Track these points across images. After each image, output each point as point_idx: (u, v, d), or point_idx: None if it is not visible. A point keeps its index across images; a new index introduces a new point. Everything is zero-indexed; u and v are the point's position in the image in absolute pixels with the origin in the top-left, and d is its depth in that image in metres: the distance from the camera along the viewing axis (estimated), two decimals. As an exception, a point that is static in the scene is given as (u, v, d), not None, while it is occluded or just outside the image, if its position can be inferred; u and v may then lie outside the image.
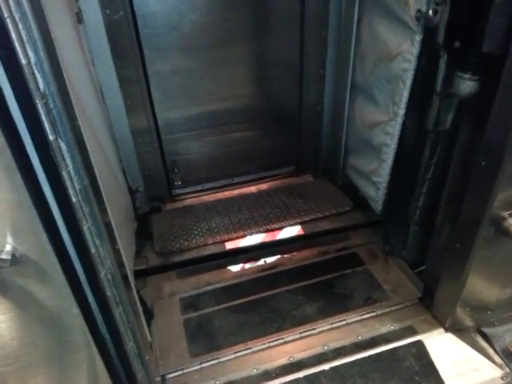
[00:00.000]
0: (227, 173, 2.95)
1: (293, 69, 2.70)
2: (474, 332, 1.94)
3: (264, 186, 2.95)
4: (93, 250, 1.09)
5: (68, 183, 0.97)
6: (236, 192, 2.90)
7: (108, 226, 1.19)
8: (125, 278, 1.35)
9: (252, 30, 2.56)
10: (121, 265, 1.30)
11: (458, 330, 1.94)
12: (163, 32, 2.35)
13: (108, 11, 2.09)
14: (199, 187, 2.93)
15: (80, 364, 1.29)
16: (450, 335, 1.94)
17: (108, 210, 1.28)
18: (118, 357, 1.34)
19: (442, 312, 1.96)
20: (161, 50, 2.39)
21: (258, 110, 2.81)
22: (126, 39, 2.22)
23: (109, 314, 1.23)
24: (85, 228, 1.04)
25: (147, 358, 1.52)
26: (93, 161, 1.17)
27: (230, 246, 2.48)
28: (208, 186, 2.93)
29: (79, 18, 1.85)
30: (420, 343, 1.90)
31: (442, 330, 1.95)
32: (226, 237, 2.49)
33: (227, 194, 2.89)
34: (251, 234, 2.52)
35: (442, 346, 1.89)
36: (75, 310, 1.13)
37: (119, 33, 2.18)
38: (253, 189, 2.93)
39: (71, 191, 0.98)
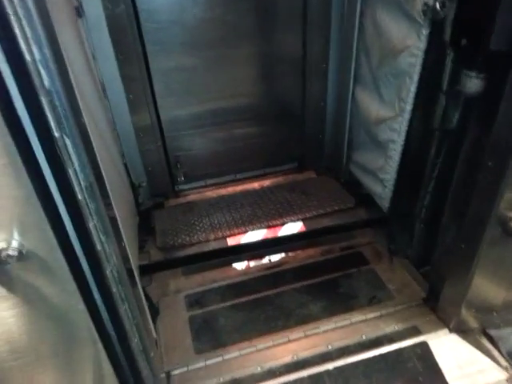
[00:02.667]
0: (230, 169, 2.96)
1: (295, 64, 2.70)
2: (479, 333, 1.92)
3: (267, 183, 2.95)
4: (98, 247, 1.10)
5: (74, 180, 0.98)
6: (239, 188, 2.91)
7: (113, 222, 1.20)
8: (130, 274, 1.36)
9: (254, 25, 2.55)
10: (126, 261, 1.31)
11: (462, 331, 1.92)
12: (165, 26, 2.34)
13: (109, 5, 2.08)
14: (202, 183, 2.94)
15: (86, 360, 1.30)
16: (454, 336, 1.92)
17: (113, 206, 1.29)
18: (124, 353, 1.35)
19: (446, 313, 1.95)
20: (163, 44, 2.38)
21: (261, 106, 2.81)
22: (128, 33, 2.21)
23: (114, 311, 1.24)
24: (90, 225, 1.05)
25: (152, 354, 1.53)
26: (98, 157, 1.18)
27: (231, 241, 2.48)
28: (211, 182, 2.95)
29: (79, 12, 1.85)
30: (424, 344, 1.89)
31: (446, 330, 1.94)
32: (227, 233, 2.49)
33: (230, 190, 2.90)
34: (253, 230, 2.52)
35: (447, 347, 1.88)
36: (81, 307, 1.14)
37: (121, 27, 2.17)
38: (256, 185, 2.93)
39: (77, 188, 0.99)
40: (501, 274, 1.77)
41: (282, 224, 2.56)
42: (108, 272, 1.16)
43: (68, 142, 0.93)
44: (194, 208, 2.71)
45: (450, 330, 1.94)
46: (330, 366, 1.83)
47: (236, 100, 2.74)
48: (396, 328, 1.98)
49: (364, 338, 1.94)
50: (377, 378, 1.77)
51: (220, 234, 2.48)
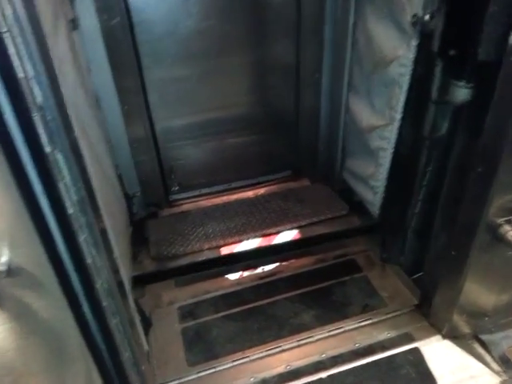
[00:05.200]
0: (225, 178, 2.95)
1: (289, 73, 2.71)
2: (471, 339, 1.94)
3: (261, 191, 2.95)
4: (89, 261, 1.09)
5: (65, 195, 0.97)
6: (233, 197, 2.90)
7: (104, 235, 1.19)
8: (121, 287, 1.34)
9: (248, 36, 2.57)
10: (117, 274, 1.29)
11: (455, 336, 1.94)
12: (160, 38, 2.35)
13: (105, 17, 2.09)
14: (197, 192, 2.93)
15: (77, 374, 1.27)
16: (447, 342, 1.94)
17: (105, 218, 1.28)
18: (114, 367, 1.33)
19: (438, 319, 1.96)
20: (158, 56, 2.40)
21: (255, 115, 2.82)
22: (123, 45, 2.21)
23: (105, 325, 1.23)
24: (81, 239, 1.04)
25: (143, 367, 1.52)
26: (89, 171, 1.17)
27: (225, 251, 2.47)
28: (205, 191, 2.94)
29: (74, 25, 1.85)
30: (417, 350, 1.90)
31: (439, 336, 1.95)
32: (221, 242, 2.48)
33: (225, 198, 2.89)
34: (247, 239, 2.52)
35: (439, 353, 1.89)
36: (71, 322, 1.12)
37: (116, 39, 2.17)
38: (250, 193, 2.93)
39: (68, 202, 0.98)
40: (491, 279, 1.79)
41: (277, 232, 2.56)
42: (98, 285, 1.15)
43: (59, 156, 0.93)
44: (188, 217, 2.70)
45: (443, 336, 1.95)
46: (323, 374, 1.83)
47: (230, 110, 2.75)
48: (389, 335, 1.98)
49: (357, 345, 1.95)
50: (370, 385, 1.77)
51: (214, 244, 2.48)
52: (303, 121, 2.85)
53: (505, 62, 1.26)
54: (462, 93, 1.43)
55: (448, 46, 1.45)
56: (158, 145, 2.66)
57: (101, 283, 1.16)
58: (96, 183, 1.26)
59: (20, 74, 0.82)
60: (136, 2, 2.21)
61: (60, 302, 1.08)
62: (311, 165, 3.01)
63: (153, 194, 2.74)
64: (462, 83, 1.42)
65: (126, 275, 1.61)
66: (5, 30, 0.77)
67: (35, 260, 0.99)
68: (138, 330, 1.70)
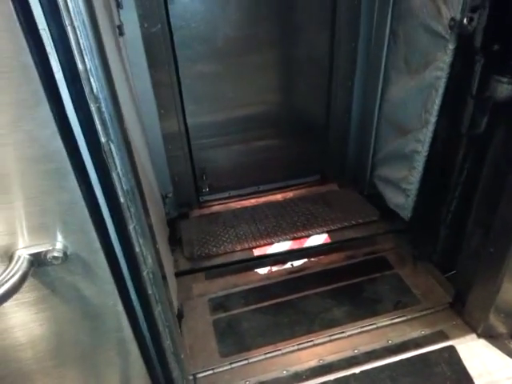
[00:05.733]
0: (254, 180, 2.99)
1: (322, 78, 2.73)
2: (508, 339, 1.90)
3: (290, 194, 2.98)
4: (137, 249, 1.12)
5: (117, 184, 1.00)
6: (262, 200, 2.94)
7: (150, 226, 1.22)
8: (164, 277, 1.38)
9: (283, 39, 2.60)
10: (161, 264, 1.33)
11: (491, 336, 1.91)
12: (197, 44, 2.43)
13: (146, 24, 2.19)
14: (226, 194, 2.98)
15: (118, 360, 1.32)
16: (482, 341, 1.91)
17: (150, 211, 1.31)
18: (156, 354, 1.37)
19: (474, 318, 1.94)
20: (194, 60, 2.47)
21: (285, 118, 2.84)
22: (162, 50, 2.31)
23: (149, 312, 1.26)
24: (130, 227, 1.07)
25: (182, 356, 1.55)
26: (137, 163, 1.21)
27: (257, 252, 2.51)
28: (234, 194, 2.98)
29: (121, 31, 1.92)
30: (452, 348, 1.88)
31: (474, 335, 1.93)
32: (253, 244, 2.52)
33: (253, 201, 2.93)
34: (279, 242, 2.54)
35: (475, 353, 1.86)
36: (119, 308, 1.16)
37: (155, 44, 2.27)
38: (279, 197, 2.95)
39: (120, 192, 1.02)
40: (530, 279, 1.75)
41: (308, 236, 2.58)
42: (145, 274, 1.18)
43: (113, 147, 0.96)
44: (219, 219, 2.75)
45: (478, 335, 1.92)
46: (356, 370, 1.83)
47: (261, 111, 2.79)
48: (422, 332, 1.97)
49: (390, 342, 1.94)
50: (404, 382, 1.77)
51: (246, 245, 2.51)
52: (334, 125, 2.86)
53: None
54: (505, 88, 1.41)
55: (491, 41, 1.43)
56: (190, 145, 2.71)
57: (147, 272, 1.19)
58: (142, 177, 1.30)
59: (80, 67, 0.86)
60: (176, 10, 2.30)
61: (109, 289, 1.11)
62: (340, 170, 3.02)
63: (185, 194, 2.81)
64: (505, 79, 1.39)
65: (167, 269, 1.65)
66: (68, 23, 0.81)
67: (88, 247, 1.03)
68: (176, 319, 1.74)
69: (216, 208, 2.91)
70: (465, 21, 1.55)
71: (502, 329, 1.89)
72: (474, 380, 1.75)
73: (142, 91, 2.33)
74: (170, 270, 1.97)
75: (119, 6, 1.97)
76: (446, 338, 1.93)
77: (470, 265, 1.92)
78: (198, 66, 2.50)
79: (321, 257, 2.49)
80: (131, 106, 1.91)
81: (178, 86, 2.46)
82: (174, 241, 2.59)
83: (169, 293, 1.49)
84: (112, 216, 1.04)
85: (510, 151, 1.52)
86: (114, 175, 0.99)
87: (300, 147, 2.95)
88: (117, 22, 1.85)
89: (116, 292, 1.13)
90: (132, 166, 1.08)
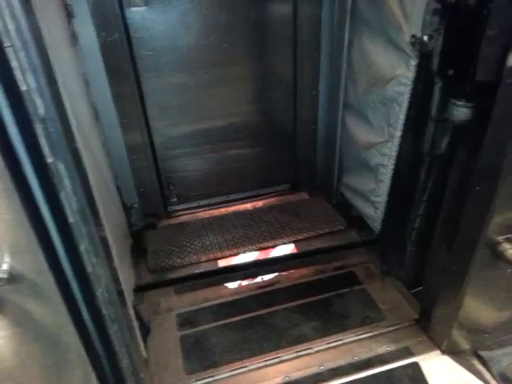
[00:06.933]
0: (223, 190, 2.98)
1: (287, 88, 2.76)
2: (470, 355, 1.92)
3: (259, 204, 2.97)
4: (89, 269, 1.11)
5: (66, 204, 0.99)
6: (231, 209, 2.93)
7: (105, 244, 1.21)
8: (121, 295, 1.36)
9: (247, 51, 2.62)
10: (117, 282, 1.31)
11: (454, 352, 1.93)
12: (158, 53, 2.41)
13: (103, 34, 2.16)
14: (195, 204, 2.96)
15: (75, 381, 1.29)
16: (446, 358, 1.92)
17: (105, 228, 1.30)
18: (113, 374, 1.35)
19: (438, 334, 1.95)
20: (156, 70, 2.45)
21: (254, 128, 2.85)
22: (121, 60, 2.27)
23: (104, 332, 1.24)
24: (82, 247, 1.06)
25: (142, 375, 1.53)
26: (91, 181, 1.19)
27: (222, 263, 2.49)
28: (204, 203, 2.96)
29: (73, 41, 1.90)
30: (416, 365, 1.89)
31: (438, 352, 1.94)
32: (219, 254, 2.51)
33: (223, 210, 2.92)
34: (244, 252, 2.54)
35: (438, 369, 1.88)
36: (71, 328, 1.14)
37: (114, 54, 2.23)
38: (248, 206, 2.95)
39: (69, 212, 1.00)
40: (492, 296, 1.78)
41: (274, 246, 2.58)
42: (98, 293, 1.17)
43: (61, 166, 0.95)
44: (186, 229, 2.73)
45: (442, 352, 1.94)
46: (321, 387, 1.82)
47: (229, 122, 2.78)
48: (388, 349, 1.98)
49: (356, 358, 1.94)
50: (368, 399, 1.77)
51: (211, 256, 2.50)
52: (301, 134, 2.88)
53: (503, 84, 1.27)
54: (461, 112, 1.44)
55: (447, 65, 1.47)
56: (156, 156, 2.70)
57: (101, 291, 1.18)
58: (97, 193, 1.29)
59: (23, 87, 0.85)
60: (134, 19, 2.28)
61: (60, 309, 1.10)
62: (309, 179, 3.04)
63: (151, 205, 2.78)
64: (461, 103, 1.43)
65: (126, 284, 1.63)
66: (8, 44, 0.80)
67: (36, 268, 1.01)
68: (136, 337, 1.72)
69: (184, 218, 2.88)
70: (425, 38, 1.58)
71: (464, 345, 1.91)
72: (436, 397, 1.76)
73: (102, 102, 2.30)
74: (130, 286, 1.94)
75: (70, 15, 1.95)
76: (410, 354, 1.94)
77: (435, 281, 1.94)
78: (160, 76, 2.48)
79: (291, 271, 2.49)
80: (88, 117, 1.89)
81: (139, 97, 2.44)
82: (140, 252, 2.55)
83: (127, 310, 1.47)
84: (61, 236, 1.03)
85: (470, 172, 1.55)
86: (63, 195, 0.98)
87: (270, 156, 2.97)
88: (70, 31, 1.82)
89: (67, 312, 1.11)
90: (84, 184, 1.07)
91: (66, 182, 0.97)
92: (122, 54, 2.26)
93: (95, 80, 2.23)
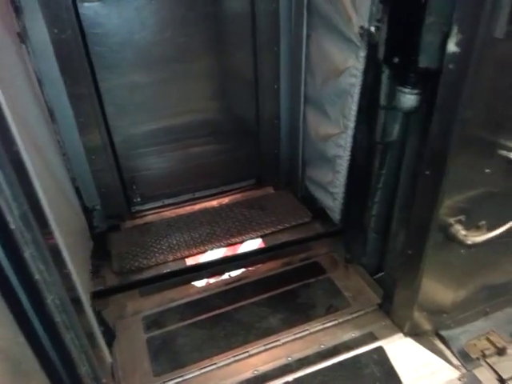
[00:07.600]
0: (188, 188, 2.94)
1: (248, 83, 2.74)
2: (432, 335, 1.99)
3: (225, 200, 2.96)
4: (37, 276, 1.07)
5: (6, 209, 0.95)
6: (197, 207, 2.90)
7: (54, 250, 1.17)
8: (76, 302, 1.32)
9: (206, 47, 2.59)
10: (71, 289, 1.28)
11: (416, 334, 1.99)
12: (114, 49, 2.34)
13: (55, 30, 2.07)
14: (160, 203, 2.91)
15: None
16: (409, 340, 1.98)
17: (56, 233, 1.26)
18: (72, 382, 1.31)
19: (400, 317, 2.01)
20: (113, 67, 2.38)
21: (217, 125, 2.83)
22: (76, 57, 2.19)
23: (59, 340, 1.20)
24: (26, 254, 1.02)
25: (105, 381, 1.49)
26: (37, 184, 1.15)
27: (190, 262, 2.47)
28: (169, 202, 2.92)
29: (21, 38, 1.82)
30: (380, 349, 1.93)
31: (401, 334, 2.00)
32: (186, 253, 2.48)
33: (188, 209, 2.88)
34: (212, 249, 2.52)
35: (402, 351, 1.93)
36: (21, 339, 1.10)
37: (68, 51, 2.15)
38: (214, 203, 2.93)
39: (9, 217, 0.96)
40: (448, 277, 1.85)
41: (242, 241, 2.57)
42: (49, 301, 1.13)
43: (-3, 171, 0.91)
44: (152, 229, 2.68)
45: (405, 334, 2.00)
46: (289, 378, 1.84)
47: (192, 118, 2.74)
48: (353, 335, 2.02)
49: (322, 347, 1.97)
50: (336, 386, 1.80)
51: (178, 255, 2.46)
52: (264, 130, 2.88)
53: (444, 70, 1.31)
54: (407, 99, 1.48)
55: (392, 53, 1.51)
56: (117, 155, 2.63)
57: (52, 299, 1.14)
58: (47, 197, 1.25)
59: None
60: (87, 14, 2.20)
61: (7, 320, 1.05)
62: (274, 173, 3.05)
63: (114, 206, 2.70)
64: (407, 90, 1.47)
65: (83, 290, 1.59)
66: None
67: (-23, 278, 0.97)
68: (98, 342, 1.68)
69: (149, 218, 2.83)
70: (372, 29, 1.62)
71: (426, 326, 1.97)
72: (401, 378, 1.81)
73: (57, 102, 2.22)
74: (88, 291, 1.88)
75: (18, 10, 1.86)
76: (375, 339, 1.99)
77: (395, 265, 1.99)
78: (118, 73, 2.41)
79: (258, 265, 2.50)
80: (39, 119, 1.82)
81: (96, 96, 2.36)
82: (103, 255, 2.48)
83: (85, 316, 1.44)
84: (3, 243, 0.98)
85: (420, 158, 1.60)
86: (2, 200, 0.94)
87: (234, 152, 2.95)
88: (16, 29, 1.75)
89: (15, 323, 1.06)
90: (26, 189, 1.03)
91: (4, 186, 0.93)
92: (76, 51, 2.17)
93: (49, 79, 2.14)
